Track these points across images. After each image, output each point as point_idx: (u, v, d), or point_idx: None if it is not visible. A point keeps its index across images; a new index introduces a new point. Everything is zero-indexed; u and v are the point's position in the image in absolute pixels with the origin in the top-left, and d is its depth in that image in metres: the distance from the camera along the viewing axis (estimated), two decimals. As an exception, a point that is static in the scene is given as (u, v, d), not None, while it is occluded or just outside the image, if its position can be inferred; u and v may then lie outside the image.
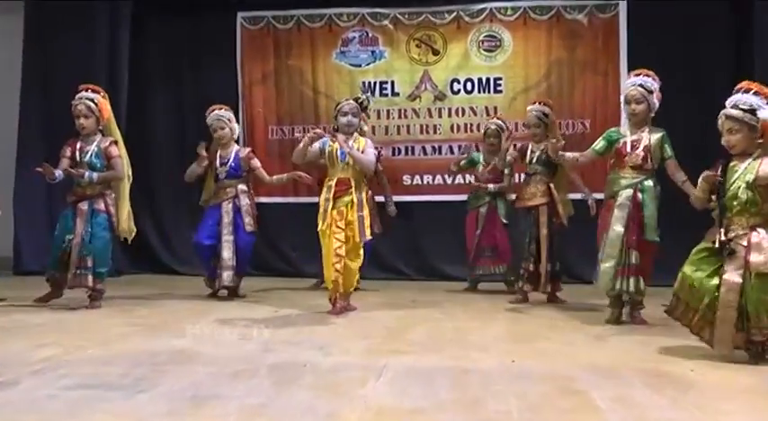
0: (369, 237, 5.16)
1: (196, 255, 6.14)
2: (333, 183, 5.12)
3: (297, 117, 7.99)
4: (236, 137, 6.14)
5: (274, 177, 6.09)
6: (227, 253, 5.84)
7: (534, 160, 5.87)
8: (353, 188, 5.09)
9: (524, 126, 5.98)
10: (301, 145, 5.07)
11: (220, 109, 6.06)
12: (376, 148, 5.44)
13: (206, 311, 5.22)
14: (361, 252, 5.17)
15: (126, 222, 5.54)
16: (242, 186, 5.99)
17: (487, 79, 7.75)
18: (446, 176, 7.60)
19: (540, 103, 6.02)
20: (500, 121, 6.78)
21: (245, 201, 5.96)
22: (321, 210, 5.12)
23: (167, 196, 8.10)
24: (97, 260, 5.30)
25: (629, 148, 4.80)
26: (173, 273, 7.86)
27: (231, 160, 5.98)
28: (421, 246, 7.82)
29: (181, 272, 7.81)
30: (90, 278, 5.27)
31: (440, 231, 7.42)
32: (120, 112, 7.64)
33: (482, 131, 6.90)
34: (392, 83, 7.88)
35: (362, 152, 5.10)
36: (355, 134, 5.19)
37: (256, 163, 6.06)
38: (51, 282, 5.38)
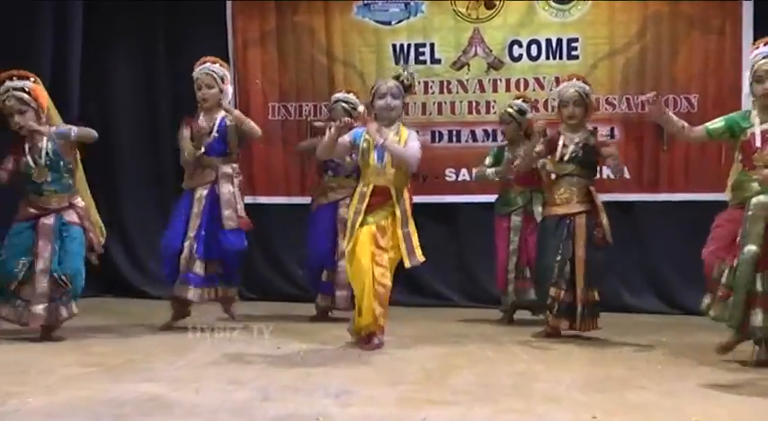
0: (421, 258, 5.22)
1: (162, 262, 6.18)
2: (368, 190, 5.24)
3: (305, 91, 7.99)
4: (224, 102, 6.12)
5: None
6: (188, 251, 5.90)
7: (567, 157, 5.80)
8: (395, 198, 5.17)
9: (561, 105, 5.91)
10: (327, 137, 5.19)
11: (214, 63, 6.11)
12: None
13: (185, 346, 5.21)
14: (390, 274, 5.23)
15: (97, 230, 5.68)
16: (225, 168, 6.01)
17: (559, 41, 7.69)
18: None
19: (576, 79, 6.00)
20: (524, 103, 6.75)
21: (226, 189, 5.95)
22: (349, 223, 5.26)
23: (135, 197, 8.14)
24: (74, 281, 5.43)
25: (758, 142, 4.78)
26: (142, 296, 7.89)
27: (214, 130, 5.97)
28: (468, 261, 7.78)
29: (152, 295, 7.82)
30: (65, 308, 5.41)
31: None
32: (69, 91, 7.62)
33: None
34: (432, 46, 7.85)
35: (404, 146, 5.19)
36: (398, 124, 5.29)
37: (245, 119, 6.05)
38: None
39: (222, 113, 6.04)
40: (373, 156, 5.22)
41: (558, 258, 5.70)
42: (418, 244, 5.23)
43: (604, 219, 5.72)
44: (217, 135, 5.97)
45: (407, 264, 5.18)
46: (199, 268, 5.92)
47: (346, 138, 5.27)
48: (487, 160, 6.73)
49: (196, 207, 5.96)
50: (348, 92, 6.82)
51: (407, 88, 5.35)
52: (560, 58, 7.69)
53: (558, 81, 7.58)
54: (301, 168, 7.83)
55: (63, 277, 5.39)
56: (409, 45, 7.86)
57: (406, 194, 5.25)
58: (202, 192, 5.98)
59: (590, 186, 5.80)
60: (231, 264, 6.06)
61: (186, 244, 5.92)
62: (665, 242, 7.17)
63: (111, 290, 8.01)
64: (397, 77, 5.33)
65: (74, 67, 7.73)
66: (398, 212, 5.17)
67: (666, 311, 7.00)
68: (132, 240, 8.19)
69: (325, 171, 6.77)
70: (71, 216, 5.50)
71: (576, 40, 7.66)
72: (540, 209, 6.41)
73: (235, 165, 6.11)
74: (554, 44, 7.69)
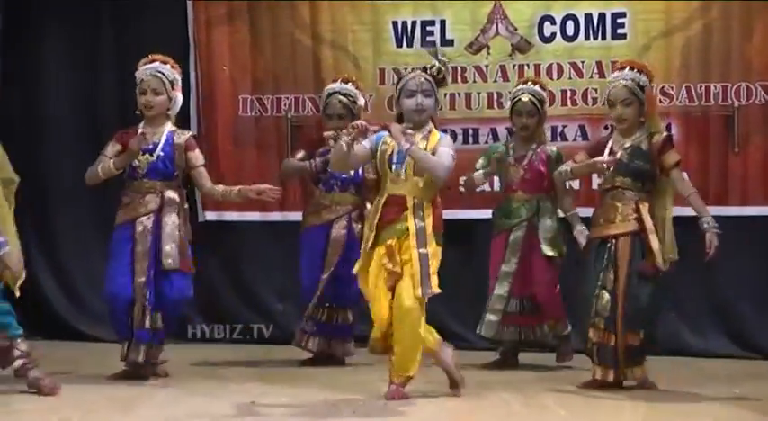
0: (436, 289, 5.20)
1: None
2: (381, 201, 5.31)
3: (285, 80, 8.01)
4: (172, 112, 6.14)
5: (220, 187, 6.10)
6: (140, 302, 5.85)
7: (617, 166, 5.76)
8: (412, 211, 5.21)
9: (609, 105, 5.88)
10: (341, 144, 5.16)
11: (165, 63, 6.10)
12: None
13: (134, 401, 5.22)
14: (421, 310, 5.21)
15: (16, 261, 5.52)
16: (171, 193, 5.98)
17: (601, 17, 7.70)
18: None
19: (631, 69, 5.88)
20: (540, 89, 6.79)
21: (170, 219, 5.92)
22: (363, 243, 5.37)
23: (70, 220, 8.16)
24: None
25: None
26: (79, 337, 7.92)
27: (160, 147, 5.97)
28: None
29: (91, 336, 7.84)
30: None
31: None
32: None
33: (509, 103, 6.92)
34: (442, 24, 7.87)
35: (433, 153, 5.22)
36: (429, 126, 5.34)
37: (197, 157, 6.05)
38: None
39: (169, 127, 6.06)
40: (390, 160, 5.26)
41: (597, 292, 5.69)
42: (436, 271, 5.21)
43: (654, 243, 5.64)
44: (162, 154, 5.96)
45: (417, 293, 5.14)
46: (148, 323, 5.86)
47: (366, 144, 5.30)
48: (479, 162, 6.82)
49: (140, 245, 5.90)
50: (345, 81, 6.81)
51: (440, 82, 5.37)
52: (603, 37, 7.70)
53: (599, 67, 7.61)
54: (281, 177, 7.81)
55: None
56: (414, 23, 7.87)
57: (428, 209, 5.25)
58: (146, 225, 5.92)
59: (642, 201, 5.72)
60: (171, 316, 6.00)
61: (137, 293, 5.86)
62: (737, 267, 7.13)
63: (41, 330, 7.94)
64: (425, 69, 5.35)
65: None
66: (413, 228, 5.17)
67: (740, 355, 6.98)
68: (66, 270, 8.20)
69: (316, 184, 6.76)
70: None
71: (623, 14, 7.67)
72: (548, 222, 6.43)
73: (184, 191, 6.11)
74: (595, 20, 7.70)
